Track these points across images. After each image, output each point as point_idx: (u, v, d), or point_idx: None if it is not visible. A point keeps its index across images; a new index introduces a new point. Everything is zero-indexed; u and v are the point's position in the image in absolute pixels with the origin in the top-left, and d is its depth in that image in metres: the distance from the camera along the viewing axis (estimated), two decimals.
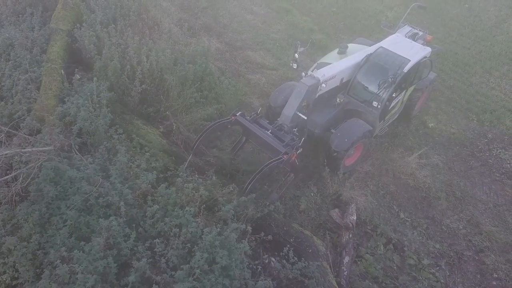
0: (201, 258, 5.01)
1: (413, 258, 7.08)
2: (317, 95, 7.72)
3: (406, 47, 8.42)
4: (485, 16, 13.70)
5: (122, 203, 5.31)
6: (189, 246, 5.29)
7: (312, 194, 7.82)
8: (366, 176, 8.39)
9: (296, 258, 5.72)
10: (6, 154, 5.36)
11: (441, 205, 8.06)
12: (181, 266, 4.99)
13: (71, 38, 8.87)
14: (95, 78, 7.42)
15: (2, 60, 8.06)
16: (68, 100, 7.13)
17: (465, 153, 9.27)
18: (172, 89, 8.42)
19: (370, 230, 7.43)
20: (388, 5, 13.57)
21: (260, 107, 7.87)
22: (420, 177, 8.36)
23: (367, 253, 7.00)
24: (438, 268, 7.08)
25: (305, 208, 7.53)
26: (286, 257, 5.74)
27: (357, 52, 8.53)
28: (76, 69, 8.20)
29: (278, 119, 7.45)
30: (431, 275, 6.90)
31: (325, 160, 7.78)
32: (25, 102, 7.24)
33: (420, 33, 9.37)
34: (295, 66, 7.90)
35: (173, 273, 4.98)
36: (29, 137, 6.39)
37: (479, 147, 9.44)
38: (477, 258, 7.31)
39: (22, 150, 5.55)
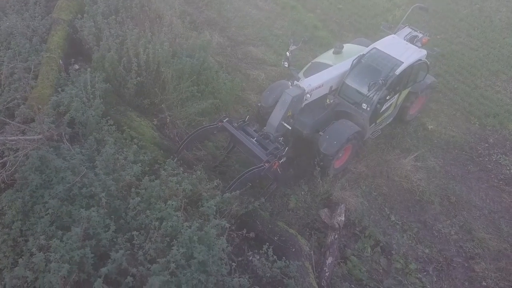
0: (178, 253, 5.03)
1: (400, 262, 7.00)
2: (303, 104, 7.60)
3: (401, 49, 8.20)
4: (496, 17, 13.36)
5: (103, 194, 5.34)
6: (168, 240, 5.32)
7: (302, 193, 7.79)
8: (359, 176, 8.31)
9: (275, 257, 5.69)
10: None
11: (434, 209, 7.94)
12: (157, 260, 5.01)
13: (72, 29, 8.96)
14: (89, 69, 7.48)
15: (2, 48, 8.17)
16: (63, 90, 7.19)
17: (463, 157, 9.09)
18: (168, 82, 8.44)
19: (359, 232, 7.36)
20: (396, 3, 13.34)
21: (248, 115, 7.78)
22: (414, 180, 8.24)
23: (353, 254, 6.94)
24: (425, 273, 6.98)
25: (294, 207, 7.50)
26: (265, 255, 5.72)
27: (348, 59, 8.28)
28: (73, 60, 8.26)
29: (264, 127, 7.46)
30: (417, 280, 6.82)
31: (316, 162, 7.68)
32: (21, 90, 7.33)
33: (420, 35, 9.12)
34: (286, 64, 7.82)
35: (149, 266, 5.01)
36: (21, 125, 6.49)
37: (479, 151, 9.25)
38: (466, 265, 7.20)
39: (8, 138, 5.61)
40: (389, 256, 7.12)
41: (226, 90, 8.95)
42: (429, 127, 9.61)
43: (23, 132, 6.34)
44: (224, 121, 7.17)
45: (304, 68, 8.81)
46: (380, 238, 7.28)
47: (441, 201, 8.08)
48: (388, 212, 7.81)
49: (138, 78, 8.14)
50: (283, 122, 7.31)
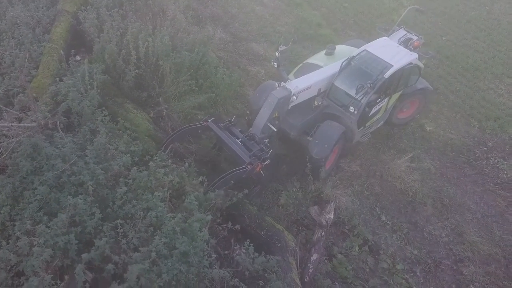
0: (160, 242, 5.12)
1: (387, 262, 7.01)
2: (290, 106, 7.54)
3: (391, 52, 8.03)
4: (505, 20, 13.14)
5: (90, 182, 5.45)
6: (152, 230, 5.42)
7: (294, 190, 7.83)
8: (353, 175, 8.31)
9: (256, 254, 5.73)
10: None
11: (426, 211, 7.91)
12: (139, 249, 5.12)
13: (76, 20, 9.11)
14: (86, 60, 7.60)
15: (6, 37, 8.35)
16: (61, 80, 7.33)
17: (460, 160, 9.02)
18: (167, 76, 8.54)
19: (347, 230, 7.38)
20: (402, 3, 13.20)
21: (234, 116, 7.70)
22: (408, 181, 8.21)
23: (340, 253, 6.97)
24: (412, 274, 6.99)
25: (284, 203, 7.55)
26: (247, 250, 5.77)
27: (339, 61, 8.14)
28: (73, 51, 8.41)
29: (250, 128, 7.39)
30: (403, 281, 6.83)
31: (309, 168, 7.64)
32: (22, 79, 7.49)
33: (415, 38, 8.96)
34: (275, 65, 7.78)
35: (132, 254, 5.11)
36: (19, 113, 6.66)
37: (477, 154, 9.16)
38: (455, 267, 7.17)
39: (1, 124, 5.76)
40: (376, 256, 7.13)
41: (224, 85, 9.01)
42: (428, 128, 9.54)
43: (20, 120, 6.50)
44: (209, 120, 7.12)
45: (296, 69, 8.75)
46: (369, 237, 7.29)
47: (434, 203, 8.04)
48: (379, 212, 7.81)
49: (137, 71, 8.24)
50: (269, 124, 7.24)
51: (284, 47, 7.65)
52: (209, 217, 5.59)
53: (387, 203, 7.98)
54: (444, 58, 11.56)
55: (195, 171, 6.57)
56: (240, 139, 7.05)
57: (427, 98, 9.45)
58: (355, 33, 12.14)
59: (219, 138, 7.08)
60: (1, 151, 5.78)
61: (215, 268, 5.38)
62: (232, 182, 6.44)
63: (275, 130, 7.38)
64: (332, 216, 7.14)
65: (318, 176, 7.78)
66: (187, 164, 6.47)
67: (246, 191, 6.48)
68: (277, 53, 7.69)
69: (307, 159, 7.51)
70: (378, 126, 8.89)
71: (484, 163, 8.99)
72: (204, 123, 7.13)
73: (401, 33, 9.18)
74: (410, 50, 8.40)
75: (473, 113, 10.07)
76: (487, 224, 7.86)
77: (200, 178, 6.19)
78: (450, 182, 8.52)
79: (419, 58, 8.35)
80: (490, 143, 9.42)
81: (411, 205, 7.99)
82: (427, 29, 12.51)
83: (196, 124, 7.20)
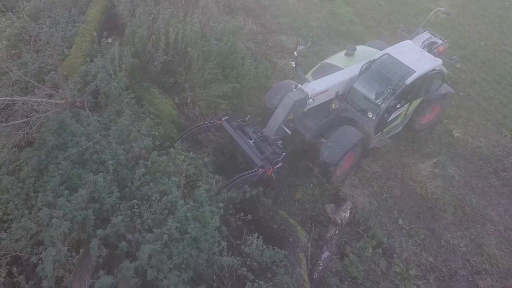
0: (173, 226, 5.22)
1: (400, 266, 6.89)
2: (306, 109, 7.38)
3: (414, 57, 7.67)
4: None
5: (111, 161, 5.60)
6: (167, 213, 5.52)
7: (311, 186, 7.79)
8: (373, 176, 8.18)
9: (265, 246, 5.75)
10: (13, 101, 5.81)
11: (445, 218, 7.70)
12: (153, 230, 5.23)
13: (111, 3, 9.32)
14: (117, 42, 7.77)
15: (43, 16, 8.63)
16: (92, 61, 7.53)
17: (487, 170, 8.71)
18: (194, 63, 8.61)
19: (362, 231, 7.30)
20: (441, 5, 12.79)
21: (249, 115, 7.62)
22: (429, 186, 8.01)
23: (352, 252, 6.90)
24: (425, 281, 6.84)
25: (300, 198, 7.53)
26: (256, 242, 5.79)
27: (359, 63, 7.88)
28: (105, 32, 8.60)
29: (264, 129, 7.27)
30: (415, 287, 6.70)
31: (318, 171, 7.57)
32: (55, 57, 7.74)
33: (440, 41, 8.56)
34: (293, 64, 7.65)
35: (145, 234, 5.23)
36: (49, 90, 6.89)
37: (505, 165, 8.82)
38: (471, 279, 6.97)
39: (31, 99, 5.98)
40: (390, 259, 7.02)
41: (250, 76, 9.00)
42: (456, 134, 9.25)
43: (50, 97, 6.73)
44: (223, 119, 7.06)
45: (314, 68, 8.55)
46: (384, 240, 7.18)
47: (455, 211, 7.81)
48: (396, 215, 7.67)
49: (165, 57, 8.34)
50: (283, 126, 7.12)
51: (302, 47, 7.47)
52: (221, 209, 5.62)
53: (406, 207, 7.82)
54: (480, 63, 11.15)
55: (212, 164, 6.62)
56: (253, 140, 6.96)
57: (449, 102, 9.14)
58: (388, 32, 11.87)
59: (232, 138, 7.00)
60: (30, 125, 6.01)
61: (224, 255, 5.44)
62: (246, 186, 6.35)
63: (289, 132, 7.25)
64: (347, 215, 7.07)
65: (329, 180, 7.65)
66: (206, 158, 6.51)
67: (261, 188, 6.48)
68: (295, 53, 7.51)
69: (318, 161, 7.39)
70: (396, 132, 8.62)
71: None
72: (218, 121, 7.05)
73: (426, 36, 8.77)
74: (434, 54, 8.01)
75: (506, 122, 9.69)
76: (509, 237, 7.58)
77: (216, 177, 6.21)
78: (474, 192, 8.26)
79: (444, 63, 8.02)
80: None
81: (431, 212, 7.80)
82: (464, 32, 12.10)
83: (210, 123, 7.15)
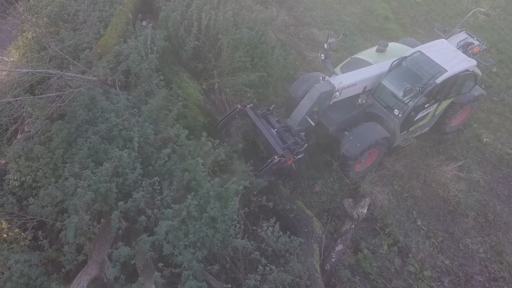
0: (192, 203, 5.36)
1: (414, 266, 6.84)
2: (332, 102, 7.30)
3: (447, 56, 7.43)
4: None
5: (137, 139, 5.78)
6: (187, 190, 5.66)
7: (331, 179, 7.79)
8: (394, 175, 8.09)
9: (281, 233, 5.82)
10: (49, 74, 6.08)
11: (466, 223, 7.55)
12: (172, 205, 5.39)
13: None
14: (151, 25, 7.95)
15: None
16: (125, 42, 7.76)
17: None
18: (224, 50, 8.71)
19: (379, 228, 7.27)
20: (479, 5, 12.37)
21: (274, 104, 7.63)
22: (452, 189, 7.84)
23: (367, 248, 6.89)
24: (439, 283, 6.76)
25: (319, 191, 7.55)
26: (271, 228, 5.87)
27: (390, 60, 7.70)
28: (140, 15, 8.80)
29: (288, 119, 7.27)
30: None
31: (337, 163, 7.54)
32: (91, 36, 8.02)
33: (476, 42, 8.25)
34: (323, 57, 7.61)
35: (164, 210, 5.41)
36: (83, 67, 7.16)
37: None
38: (487, 285, 6.84)
39: (65, 74, 6.24)
40: (405, 258, 6.97)
41: (278, 66, 9.03)
42: (484, 139, 9.01)
43: (83, 73, 7.00)
44: (247, 106, 7.11)
45: (343, 63, 8.46)
46: (400, 238, 7.13)
47: (477, 217, 7.65)
48: (415, 216, 7.58)
49: (196, 42, 8.48)
50: (307, 117, 7.08)
51: (333, 40, 7.41)
52: (246, 187, 5.71)
53: (426, 208, 7.71)
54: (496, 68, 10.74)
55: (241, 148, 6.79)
56: (276, 129, 6.97)
57: (479, 104, 8.89)
58: (424, 31, 11.60)
59: (255, 126, 7.05)
60: (63, 99, 6.29)
61: (239, 238, 5.55)
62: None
63: (313, 124, 7.21)
64: (365, 211, 7.03)
65: (346, 174, 7.60)
66: (239, 149, 6.70)
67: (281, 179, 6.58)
68: (325, 45, 7.46)
69: (338, 154, 7.37)
70: (423, 132, 8.44)
71: None
72: (239, 107, 7.09)
73: (462, 36, 8.48)
74: (468, 55, 7.78)
75: None
76: None
77: (249, 164, 6.36)
78: (499, 199, 8.05)
79: (478, 65, 7.77)
80: None
81: (451, 215, 7.67)
82: (504, 35, 11.68)
83: (232, 111, 7.20)
